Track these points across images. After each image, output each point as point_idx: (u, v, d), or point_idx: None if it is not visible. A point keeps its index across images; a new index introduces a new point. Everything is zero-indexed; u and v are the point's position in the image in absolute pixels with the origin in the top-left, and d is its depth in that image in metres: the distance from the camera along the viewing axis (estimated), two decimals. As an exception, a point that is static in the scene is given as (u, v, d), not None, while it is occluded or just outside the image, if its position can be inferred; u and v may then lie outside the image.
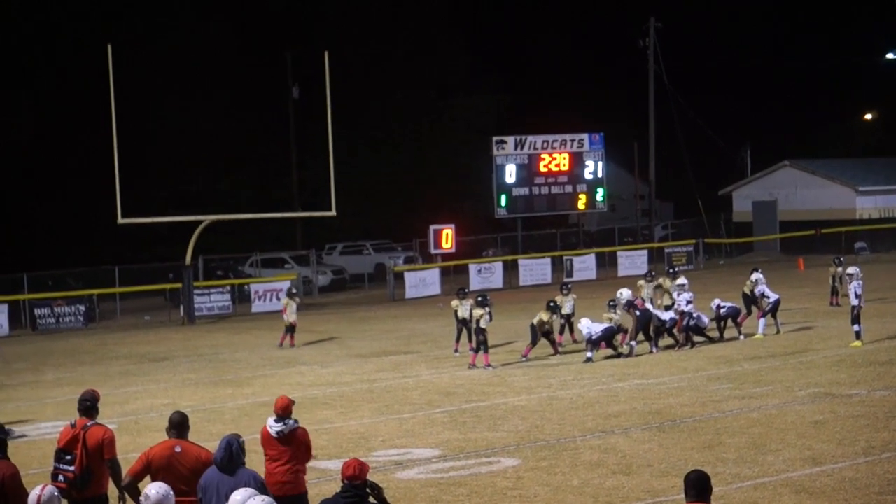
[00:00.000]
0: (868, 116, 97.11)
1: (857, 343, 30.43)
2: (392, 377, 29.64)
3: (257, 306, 50.73)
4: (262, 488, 11.61)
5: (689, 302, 32.24)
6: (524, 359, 31.15)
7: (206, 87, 72.10)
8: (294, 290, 40.44)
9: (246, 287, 53.06)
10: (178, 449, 12.64)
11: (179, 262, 49.06)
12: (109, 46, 43.82)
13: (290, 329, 37.22)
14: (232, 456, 11.84)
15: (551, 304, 31.83)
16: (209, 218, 48.93)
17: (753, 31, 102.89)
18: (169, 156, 71.90)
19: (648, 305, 32.69)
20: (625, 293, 32.14)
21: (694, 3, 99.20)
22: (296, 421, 13.91)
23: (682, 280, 34.17)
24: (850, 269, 31.91)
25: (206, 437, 22.06)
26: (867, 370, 26.65)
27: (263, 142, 75.11)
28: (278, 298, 50.64)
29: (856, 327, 30.65)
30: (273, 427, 13.84)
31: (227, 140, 74.14)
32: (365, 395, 26.99)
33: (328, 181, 46.96)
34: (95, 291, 49.73)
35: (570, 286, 34.96)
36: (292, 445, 13.75)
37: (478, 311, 30.32)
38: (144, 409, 26.28)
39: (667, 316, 32.46)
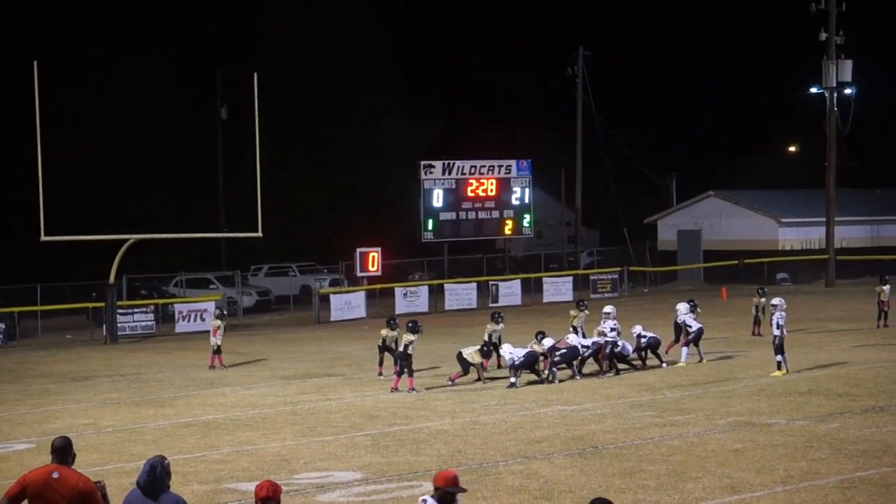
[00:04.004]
0: (792, 149, 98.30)
1: (778, 373, 30.85)
2: (315, 399, 29.56)
3: (181, 326, 50.41)
4: (185, 512, 11.54)
5: (613, 329, 32.48)
6: (450, 383, 31.19)
7: (135, 106, 71.64)
8: (225, 312, 40.27)
9: (170, 307, 52.70)
10: (55, 475, 12.05)
11: (103, 281, 48.63)
12: (35, 63, 43.49)
13: (218, 350, 37.02)
14: (155, 479, 11.66)
15: (485, 349, 31.98)
16: (133, 237, 48.60)
17: (681, 63, 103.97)
18: (95, 174, 71.35)
19: (572, 338, 32.84)
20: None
21: (623, 35, 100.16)
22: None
23: (608, 308, 34.38)
24: (775, 301, 32.26)
25: (128, 458, 21.94)
26: (787, 400, 26.95)
27: (191, 162, 74.72)
28: (203, 319, 50.44)
29: (778, 357, 31.10)
30: None
31: (154, 159, 73.72)
32: (288, 417, 26.90)
33: (255, 202, 46.83)
34: (16, 309, 49.10)
35: (502, 315, 35.02)
36: None
37: (407, 336, 30.31)
38: (64, 429, 25.97)
39: (588, 342, 32.71)
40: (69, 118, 63.38)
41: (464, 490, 11.04)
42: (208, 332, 48.29)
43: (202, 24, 79.10)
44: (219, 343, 36.90)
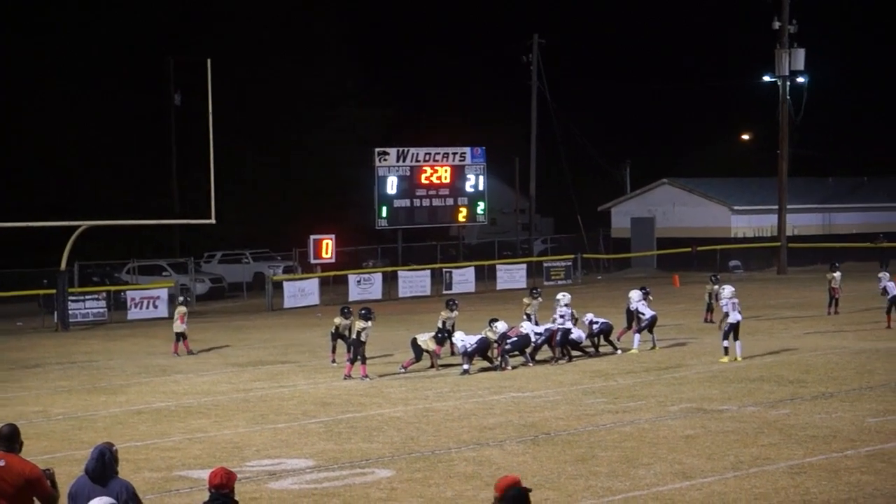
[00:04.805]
0: (745, 137, 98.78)
1: (725, 358, 31.06)
2: (268, 387, 29.49)
3: (133, 313, 50.13)
4: (134, 499, 11.48)
5: (563, 316, 32.56)
6: (403, 370, 31.17)
7: (87, 91, 71.14)
8: (188, 299, 40.30)
9: (122, 294, 52.38)
10: (1, 463, 11.91)
11: (54, 268, 48.28)
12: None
13: (183, 336, 36.87)
14: (104, 465, 11.60)
15: (439, 336, 31.99)
16: (86, 223, 48.26)
17: (636, 51, 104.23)
18: (47, 160, 70.80)
19: (525, 325, 32.92)
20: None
21: (578, 23, 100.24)
22: None
23: (561, 295, 34.38)
24: (727, 291, 32.38)
25: (78, 446, 21.81)
26: (738, 386, 27.10)
27: (144, 148, 74.26)
28: (155, 306, 50.25)
29: (725, 343, 31.31)
30: None
31: (107, 145, 73.22)
32: (240, 404, 26.82)
33: (208, 189, 46.62)
34: (-34, 296, 48.77)
35: (457, 302, 35.04)
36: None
37: (360, 324, 30.27)
38: (14, 417, 25.71)
39: (541, 329, 32.79)
40: (20, 105, 62.89)
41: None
42: (161, 319, 48.58)
43: (155, 10, 78.58)
44: (185, 329, 36.78)
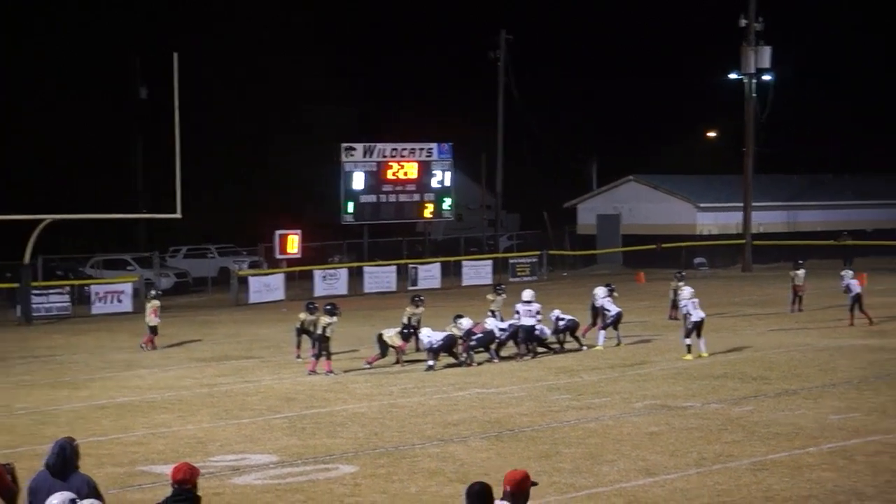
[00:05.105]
0: (711, 134, 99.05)
1: (689, 356, 31.16)
2: (233, 382, 29.41)
3: (97, 308, 49.86)
4: (94, 493, 11.43)
5: (528, 312, 32.60)
6: (368, 365, 31.14)
7: (52, 85, 70.75)
8: (160, 292, 40.28)
9: (86, 288, 52.10)
10: None
11: (18, 262, 47.98)
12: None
13: (154, 329, 36.83)
14: (65, 460, 11.56)
15: (405, 332, 31.99)
16: (50, 217, 47.98)
17: (603, 47, 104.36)
18: (11, 153, 70.37)
19: (489, 322, 32.95)
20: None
21: (546, 19, 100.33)
22: None
23: (527, 293, 34.36)
24: (686, 292, 32.46)
25: (40, 441, 21.66)
26: (702, 383, 27.20)
27: (110, 141, 73.90)
28: (119, 300, 50.01)
29: (687, 341, 31.42)
30: None
31: (72, 138, 72.82)
32: (204, 399, 26.74)
33: (174, 183, 46.40)
34: (-73, 289, 48.42)
35: (422, 298, 35.01)
36: None
37: (325, 319, 30.23)
38: (-24, 411, 25.69)
39: (505, 325, 32.84)
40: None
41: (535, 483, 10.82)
42: (125, 313, 48.43)
43: (121, 3, 78.30)
44: (158, 322, 36.73)
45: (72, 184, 72.67)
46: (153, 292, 39.46)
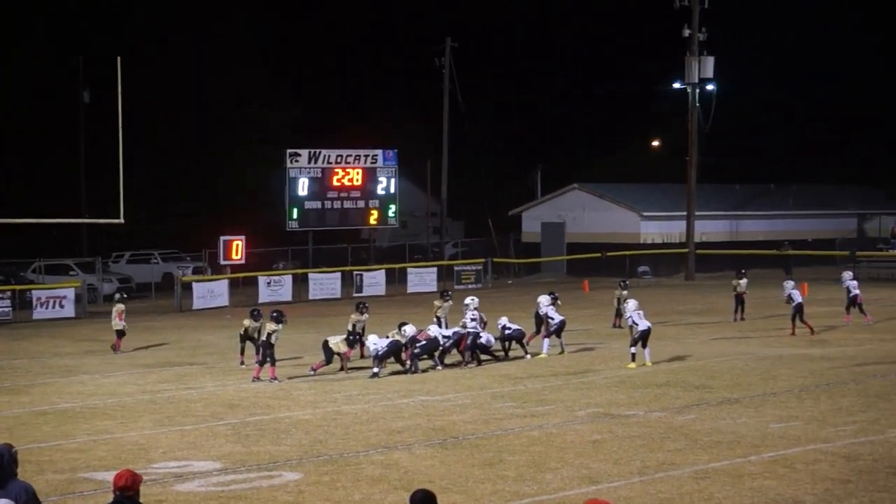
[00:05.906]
0: (655, 143, 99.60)
1: (632, 365, 31.31)
2: (175, 388, 29.25)
3: (39, 313, 49.48)
4: (33, 500, 11.34)
5: (473, 320, 32.69)
6: (312, 372, 31.06)
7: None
8: (125, 295, 40.14)
9: (28, 293, 51.69)
10: None
11: (-43, 266, 47.55)
12: None
13: (120, 333, 36.72)
14: (3, 467, 11.44)
15: (350, 338, 31.96)
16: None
17: (548, 55, 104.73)
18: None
19: (433, 329, 32.95)
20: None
21: (491, 27, 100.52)
22: None
23: (469, 299, 34.44)
24: (631, 304, 32.57)
25: (-20, 447, 21.47)
26: (645, 391, 27.33)
27: (52, 145, 73.36)
28: (61, 306, 49.66)
29: (632, 349, 31.58)
30: None
31: (12, 141, 72.23)
32: (147, 405, 26.58)
33: (117, 188, 46.10)
34: None
35: (367, 305, 34.91)
36: None
37: (271, 326, 30.15)
38: (-85, 417, 25.41)
39: (450, 332, 32.87)
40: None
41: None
42: (67, 319, 48.10)
43: (65, 6, 77.76)
44: (124, 326, 36.75)
45: (13, 187, 72.11)
46: (117, 295, 39.31)
